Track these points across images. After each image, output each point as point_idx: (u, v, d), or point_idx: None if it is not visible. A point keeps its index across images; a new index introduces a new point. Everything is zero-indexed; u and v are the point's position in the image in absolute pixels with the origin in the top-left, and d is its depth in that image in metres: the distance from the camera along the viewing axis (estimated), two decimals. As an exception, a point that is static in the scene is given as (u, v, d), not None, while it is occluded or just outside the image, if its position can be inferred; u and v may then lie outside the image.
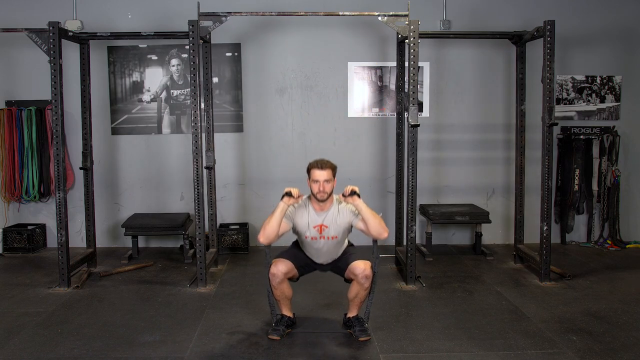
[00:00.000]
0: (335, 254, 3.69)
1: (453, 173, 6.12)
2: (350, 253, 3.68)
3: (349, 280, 3.66)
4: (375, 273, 3.55)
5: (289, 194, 3.49)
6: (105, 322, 3.90)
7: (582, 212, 6.07)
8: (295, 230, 3.64)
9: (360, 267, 3.49)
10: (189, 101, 5.91)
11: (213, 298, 4.39)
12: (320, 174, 3.50)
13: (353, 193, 3.49)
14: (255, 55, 5.96)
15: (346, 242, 3.74)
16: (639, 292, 4.51)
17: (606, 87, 6.11)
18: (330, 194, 3.55)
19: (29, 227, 5.86)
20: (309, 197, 3.62)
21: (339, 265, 3.68)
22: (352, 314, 3.68)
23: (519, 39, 5.17)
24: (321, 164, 3.52)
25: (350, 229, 3.63)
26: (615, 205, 6.01)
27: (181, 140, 6.01)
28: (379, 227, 3.47)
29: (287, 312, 3.70)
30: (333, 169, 3.55)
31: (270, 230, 3.47)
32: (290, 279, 3.66)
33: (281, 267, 3.54)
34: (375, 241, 3.63)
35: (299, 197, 3.53)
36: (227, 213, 6.09)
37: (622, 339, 3.57)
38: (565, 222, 6.08)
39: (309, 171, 3.57)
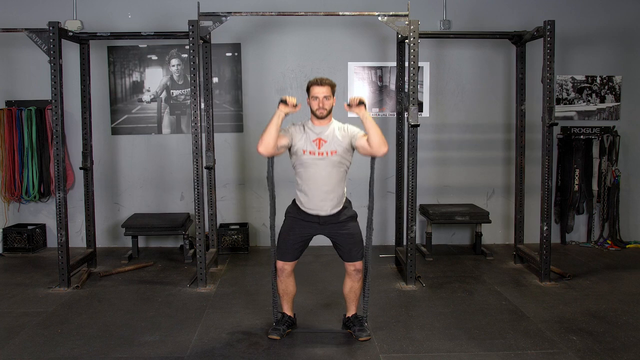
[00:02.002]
0: (334, 191, 3.46)
1: (453, 173, 6.12)
2: (351, 234, 3.54)
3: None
4: (367, 261, 3.58)
5: (283, 102, 3.43)
6: (105, 322, 3.90)
7: (582, 212, 6.07)
8: (293, 150, 3.50)
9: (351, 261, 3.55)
10: (189, 101, 5.90)
11: (213, 298, 4.39)
12: (320, 90, 3.47)
13: (360, 103, 3.45)
14: (255, 55, 5.96)
15: (344, 187, 3.54)
16: (639, 292, 4.51)
17: (606, 87, 6.10)
18: (329, 112, 3.51)
19: (29, 227, 5.86)
20: (308, 120, 3.57)
21: (338, 233, 3.52)
22: (350, 312, 3.69)
23: (519, 39, 5.17)
24: (320, 81, 3.49)
25: (350, 150, 3.51)
26: (615, 205, 6.01)
27: (181, 140, 6.01)
28: (380, 140, 3.36)
29: (288, 311, 3.71)
30: (332, 86, 3.52)
31: (268, 138, 3.37)
32: None
33: (289, 261, 3.56)
34: (372, 183, 3.62)
35: (295, 106, 3.45)
36: (227, 213, 6.09)
37: (622, 339, 3.57)
38: (565, 222, 6.08)
39: (308, 89, 3.53)
